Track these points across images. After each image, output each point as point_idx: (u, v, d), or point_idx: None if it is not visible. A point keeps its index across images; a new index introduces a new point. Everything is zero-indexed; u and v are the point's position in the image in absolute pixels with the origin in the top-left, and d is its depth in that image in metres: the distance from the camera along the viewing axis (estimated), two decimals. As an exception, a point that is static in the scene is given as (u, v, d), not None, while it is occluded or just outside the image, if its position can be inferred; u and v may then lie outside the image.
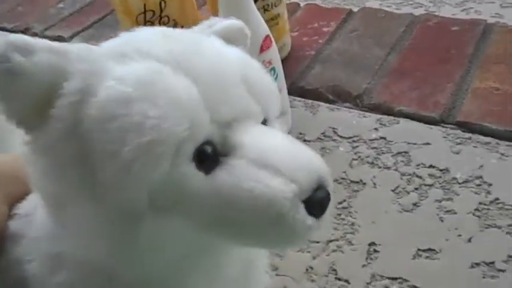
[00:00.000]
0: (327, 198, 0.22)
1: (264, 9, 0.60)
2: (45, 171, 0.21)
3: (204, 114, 0.21)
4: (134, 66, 0.21)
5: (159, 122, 0.19)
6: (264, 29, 0.47)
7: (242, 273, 0.29)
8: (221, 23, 0.27)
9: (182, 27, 0.66)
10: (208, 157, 0.21)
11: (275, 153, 0.21)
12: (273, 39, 0.48)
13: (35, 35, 0.89)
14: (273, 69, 0.49)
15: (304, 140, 0.55)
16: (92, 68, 0.20)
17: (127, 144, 0.19)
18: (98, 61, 0.21)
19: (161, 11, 0.59)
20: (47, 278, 0.24)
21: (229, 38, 0.26)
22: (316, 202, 0.21)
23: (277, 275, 0.42)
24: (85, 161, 0.20)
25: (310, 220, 0.21)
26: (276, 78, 0.50)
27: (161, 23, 0.60)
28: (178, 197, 0.20)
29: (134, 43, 0.22)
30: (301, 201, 0.21)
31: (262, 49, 0.47)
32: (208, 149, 0.21)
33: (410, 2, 0.80)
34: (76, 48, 0.21)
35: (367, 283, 0.40)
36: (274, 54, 0.49)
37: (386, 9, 0.75)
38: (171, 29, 0.24)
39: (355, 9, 0.76)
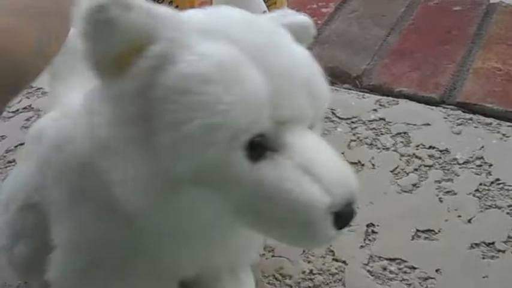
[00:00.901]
0: (352, 214, 0.23)
1: (261, -12, 0.58)
2: (109, 117, 0.22)
3: (266, 111, 0.22)
4: (217, 47, 0.21)
5: (229, 109, 0.20)
6: (262, 6, 0.46)
7: (244, 245, 0.31)
8: (292, 17, 0.27)
9: (177, 6, 0.64)
10: (258, 148, 0.22)
11: (320, 162, 0.23)
12: (270, 16, 0.47)
13: None
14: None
15: (302, 121, 0.54)
16: (178, 37, 0.21)
17: (193, 121, 0.20)
18: (184, 32, 0.22)
19: (156, -11, 0.58)
20: None
21: (295, 34, 0.26)
22: (343, 217, 0.22)
23: (273, 256, 0.41)
24: (147, 121, 0.21)
25: (333, 231, 0.22)
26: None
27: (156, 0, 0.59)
28: (222, 177, 0.22)
29: (220, 22, 0.23)
30: (331, 213, 0.22)
31: (259, 26, 0.46)
32: (260, 141, 0.22)
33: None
34: (168, 14, 0.22)
35: (365, 264, 0.39)
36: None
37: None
38: (250, 15, 0.25)
39: (355, -10, 0.74)
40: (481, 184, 0.43)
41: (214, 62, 0.21)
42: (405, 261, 0.38)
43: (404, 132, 0.49)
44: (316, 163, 0.22)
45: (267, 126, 0.22)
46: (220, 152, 0.21)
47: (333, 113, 0.54)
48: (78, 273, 0.28)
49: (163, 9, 0.21)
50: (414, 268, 0.38)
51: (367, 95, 0.55)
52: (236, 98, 0.21)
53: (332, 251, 0.41)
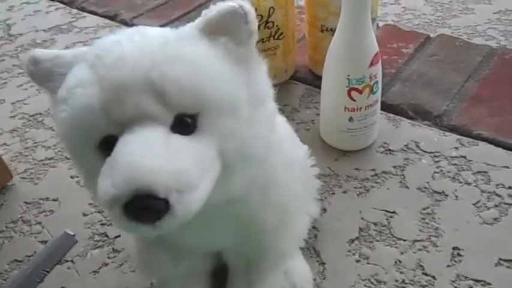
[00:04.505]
0: (140, 208, 0.24)
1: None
2: None
3: (102, 117, 0.26)
4: (74, 72, 0.28)
5: (65, 121, 0.27)
6: (375, 46, 0.53)
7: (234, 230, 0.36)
8: (214, 10, 0.28)
9: (282, 33, 0.71)
10: (109, 146, 0.26)
11: (121, 157, 0.25)
12: (380, 56, 0.54)
13: (124, 21, 0.97)
14: (376, 82, 0.55)
15: (389, 149, 0.60)
16: (62, 71, 0.29)
17: (58, 128, 0.29)
18: (68, 66, 0.29)
19: (268, 16, 0.65)
20: None
21: (224, 25, 0.28)
22: (130, 209, 0.24)
23: (368, 263, 0.47)
24: None
25: (124, 221, 0.25)
26: (376, 92, 0.55)
27: (266, 27, 0.66)
28: (92, 171, 0.28)
29: (91, 49, 0.28)
30: (121, 205, 0.24)
31: (372, 63, 0.53)
32: (111, 140, 0.26)
33: (482, 34, 0.85)
34: (59, 56, 0.30)
35: (452, 281, 0.45)
36: (379, 69, 0.54)
37: (462, 38, 0.80)
38: (133, 33, 0.28)
39: (432, 35, 0.81)
40: (557, 226, 0.48)
41: (66, 86, 0.27)
42: (489, 284, 0.44)
43: (485, 171, 0.55)
44: (118, 158, 0.25)
45: (111, 128, 0.26)
46: (80, 151, 0.28)
47: (417, 145, 0.60)
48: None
49: (57, 54, 0.30)
50: (498, 290, 0.43)
51: (447, 133, 0.62)
52: (71, 111, 0.26)
53: (422, 266, 0.46)
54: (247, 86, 0.29)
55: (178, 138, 0.26)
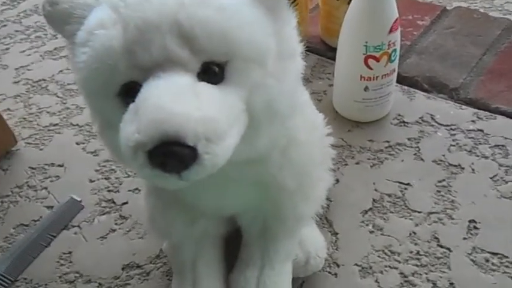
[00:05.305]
0: (166, 155, 0.23)
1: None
2: None
3: (123, 61, 0.24)
4: (95, 14, 0.26)
5: (85, 66, 0.25)
6: (395, 13, 0.50)
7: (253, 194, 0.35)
8: None
9: (295, 0, 0.69)
10: (131, 94, 0.25)
11: (147, 103, 0.23)
12: (399, 23, 0.52)
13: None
14: (395, 50, 0.52)
15: (403, 121, 0.58)
16: (84, 14, 0.27)
17: (76, 73, 0.27)
18: (88, 8, 0.27)
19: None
20: None
21: None
22: (155, 156, 0.23)
23: (382, 234, 0.46)
24: None
25: (148, 169, 0.23)
26: (394, 60, 0.53)
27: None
28: (113, 121, 0.26)
29: None
30: (146, 151, 0.23)
31: (391, 30, 0.50)
32: (134, 87, 0.25)
33: (499, 8, 0.83)
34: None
35: (468, 253, 0.44)
36: (398, 37, 0.52)
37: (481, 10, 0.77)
38: None
39: (448, 7, 0.78)
40: None
41: (87, 28, 0.25)
42: (507, 257, 0.43)
43: (503, 145, 0.54)
44: (144, 103, 0.23)
45: (134, 73, 0.24)
46: (98, 98, 0.26)
47: (432, 118, 0.59)
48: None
49: None
50: (515, 264, 0.42)
51: (464, 106, 0.60)
52: (91, 54, 0.24)
53: (437, 238, 0.45)
54: (277, 37, 0.27)
55: (206, 86, 0.25)
